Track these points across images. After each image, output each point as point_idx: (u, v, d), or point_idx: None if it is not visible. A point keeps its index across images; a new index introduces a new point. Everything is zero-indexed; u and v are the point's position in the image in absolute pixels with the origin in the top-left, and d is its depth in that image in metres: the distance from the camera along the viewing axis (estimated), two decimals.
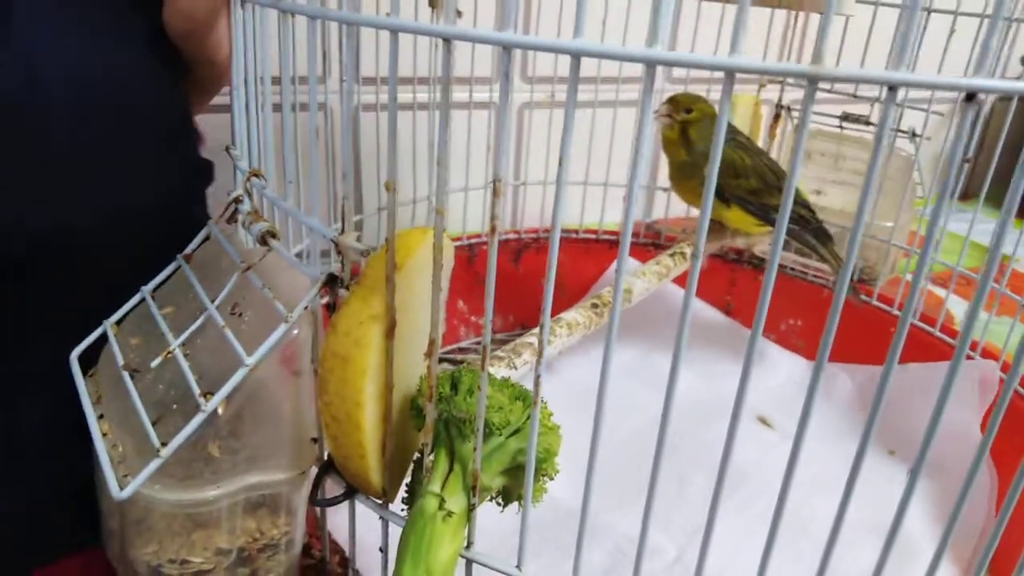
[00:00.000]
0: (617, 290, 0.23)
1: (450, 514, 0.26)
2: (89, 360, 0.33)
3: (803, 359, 0.64)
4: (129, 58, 0.32)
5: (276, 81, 0.31)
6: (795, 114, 0.63)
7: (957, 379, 0.55)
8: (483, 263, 0.68)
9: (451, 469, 0.26)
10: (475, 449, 0.25)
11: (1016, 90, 0.20)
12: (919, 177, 0.59)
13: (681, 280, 0.63)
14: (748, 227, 0.56)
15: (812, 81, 0.19)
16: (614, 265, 0.65)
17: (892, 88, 0.19)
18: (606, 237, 0.70)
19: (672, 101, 0.55)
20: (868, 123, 0.59)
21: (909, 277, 0.70)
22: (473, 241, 0.67)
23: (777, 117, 0.62)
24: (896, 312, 0.60)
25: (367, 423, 0.26)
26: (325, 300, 0.28)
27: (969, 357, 0.54)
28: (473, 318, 0.68)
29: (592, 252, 0.70)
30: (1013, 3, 0.54)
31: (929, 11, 0.56)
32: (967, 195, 1.05)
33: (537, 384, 0.24)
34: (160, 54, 0.34)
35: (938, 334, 0.56)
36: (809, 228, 0.54)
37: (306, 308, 0.27)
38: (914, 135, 0.56)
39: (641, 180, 0.89)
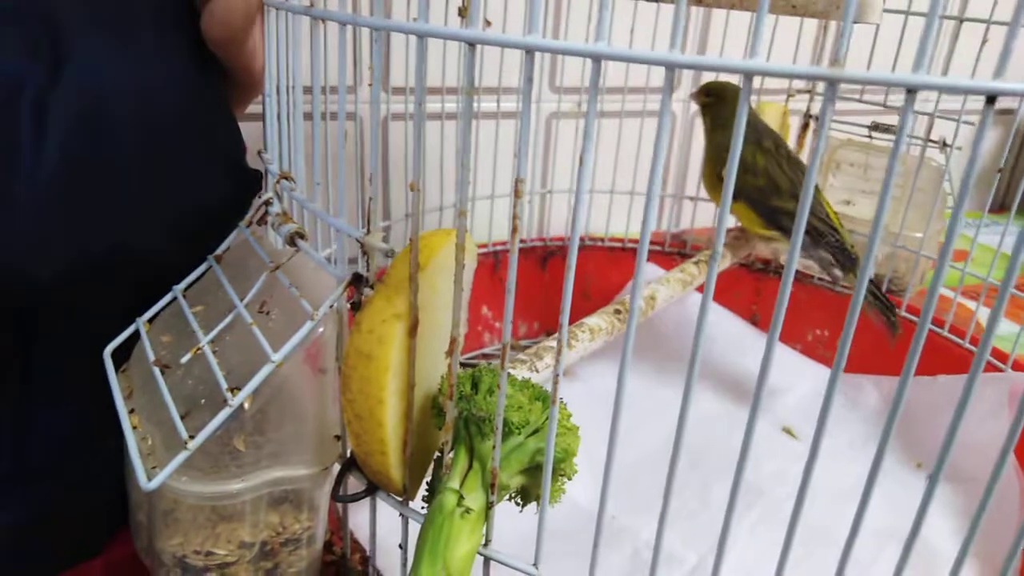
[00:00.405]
0: (635, 298, 0.24)
1: (468, 511, 0.26)
2: (122, 357, 0.34)
3: (830, 370, 0.63)
4: (176, 75, 0.33)
5: (308, 90, 0.31)
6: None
7: (983, 390, 0.54)
8: (507, 270, 0.68)
9: (470, 467, 0.27)
10: (494, 447, 0.26)
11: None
12: (950, 187, 0.58)
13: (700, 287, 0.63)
14: (753, 226, 0.56)
15: (832, 83, 0.19)
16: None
17: (911, 91, 0.19)
18: (631, 245, 0.70)
19: (704, 86, 0.56)
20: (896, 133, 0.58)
21: (946, 292, 0.69)
22: (499, 248, 0.68)
23: (805, 127, 0.62)
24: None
25: (389, 420, 0.27)
26: (351, 300, 0.29)
27: (999, 370, 0.54)
28: (498, 324, 0.68)
29: (618, 260, 0.70)
30: None
31: (961, 20, 0.56)
32: (1003, 208, 1.03)
33: (555, 383, 0.24)
34: (204, 69, 0.34)
35: (967, 346, 0.56)
36: (823, 243, 0.53)
37: (331, 307, 0.28)
38: (944, 145, 0.55)
39: (666, 189, 0.88)
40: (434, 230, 0.28)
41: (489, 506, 0.27)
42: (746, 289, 0.67)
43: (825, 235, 0.53)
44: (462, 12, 0.57)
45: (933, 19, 0.20)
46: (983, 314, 0.62)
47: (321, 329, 0.28)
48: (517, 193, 0.23)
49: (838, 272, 0.54)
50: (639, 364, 0.62)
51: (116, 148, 0.31)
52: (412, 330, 0.26)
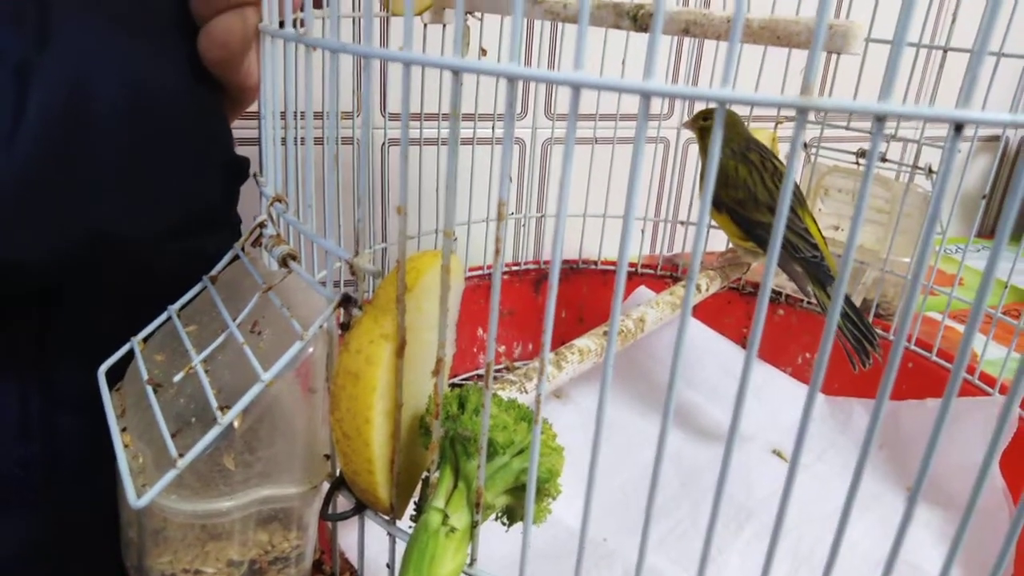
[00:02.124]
0: (613, 320, 0.24)
1: (453, 530, 0.26)
2: (118, 376, 0.34)
3: (820, 393, 0.64)
4: (168, 68, 0.33)
5: (306, 113, 0.32)
6: (812, 150, 0.64)
7: (971, 414, 0.54)
8: (503, 293, 0.69)
9: (456, 486, 0.27)
10: (479, 467, 0.26)
11: (1003, 122, 0.20)
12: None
13: (699, 312, 0.64)
14: (734, 236, 0.58)
15: (802, 112, 0.20)
16: (632, 296, 0.66)
17: (880, 119, 0.20)
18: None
19: (701, 112, 0.57)
20: (884, 159, 0.59)
21: (934, 315, 0.70)
22: (492, 268, 0.68)
23: None
24: (914, 348, 0.59)
25: (376, 439, 0.27)
26: (341, 320, 0.29)
27: (987, 394, 0.54)
28: (496, 347, 0.69)
29: (611, 283, 0.71)
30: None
31: (946, 50, 0.57)
32: (993, 233, 1.04)
33: (538, 403, 0.25)
34: (199, 71, 0.35)
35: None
36: (799, 257, 0.54)
37: (321, 327, 0.28)
38: (930, 171, 0.56)
39: (659, 213, 0.89)
40: (422, 252, 0.29)
41: (474, 525, 0.27)
42: (738, 312, 0.68)
43: (800, 250, 0.54)
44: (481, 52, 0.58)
45: (901, 48, 0.21)
46: (977, 341, 0.62)
47: (311, 349, 0.29)
48: (500, 216, 0.23)
49: (810, 288, 0.55)
50: (633, 387, 0.63)
51: (98, 133, 0.31)
52: (399, 350, 0.27)
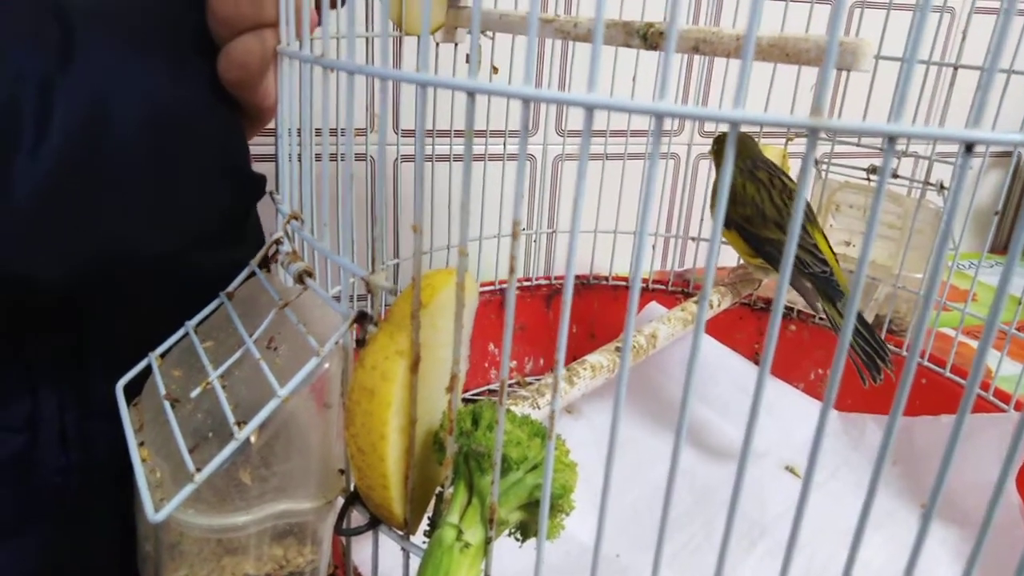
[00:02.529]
0: (627, 338, 0.24)
1: (467, 545, 0.26)
2: (135, 391, 0.35)
3: (833, 409, 0.63)
4: (191, 91, 0.34)
5: (320, 132, 0.33)
6: (823, 166, 0.64)
7: (985, 431, 0.54)
8: (517, 307, 0.69)
9: (470, 502, 0.27)
10: (492, 482, 0.26)
11: (1013, 142, 0.21)
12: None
13: (711, 328, 0.64)
14: (743, 253, 0.58)
15: (813, 132, 0.20)
16: (643, 312, 0.66)
17: (892, 139, 0.20)
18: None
19: (719, 135, 0.58)
20: (896, 175, 0.59)
21: (947, 331, 0.69)
22: (504, 286, 0.69)
23: None
24: (927, 364, 0.59)
25: (391, 455, 0.27)
26: (357, 337, 0.29)
27: (1002, 410, 0.54)
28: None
29: (622, 299, 0.71)
30: None
31: (956, 67, 0.57)
32: (1006, 248, 1.04)
33: (552, 419, 0.25)
34: (218, 90, 0.35)
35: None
36: (808, 273, 0.54)
37: (337, 343, 0.29)
38: (942, 187, 0.56)
39: (671, 229, 0.90)
40: (437, 269, 0.29)
41: (488, 541, 0.27)
42: (749, 328, 0.68)
43: (809, 265, 0.54)
44: (469, 59, 0.59)
45: (912, 67, 0.21)
46: (991, 357, 0.62)
47: (327, 365, 0.29)
48: (514, 235, 0.24)
49: (819, 304, 0.55)
50: (646, 403, 0.63)
51: (119, 151, 0.31)
52: (414, 367, 0.27)
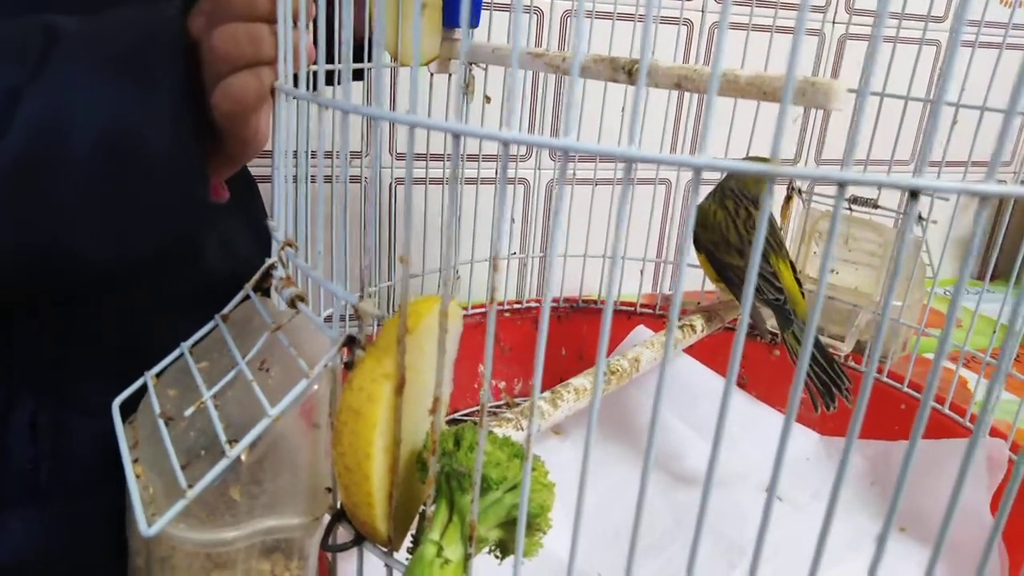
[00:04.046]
0: (599, 365, 0.26)
1: (447, 561, 0.28)
2: (130, 409, 0.36)
3: (815, 433, 0.65)
4: (153, 118, 0.36)
5: (316, 155, 0.34)
6: (806, 196, 0.66)
7: (958, 456, 0.55)
8: (504, 330, 0.71)
9: (450, 520, 0.29)
10: (472, 501, 0.27)
11: (956, 189, 0.22)
12: (928, 258, 0.61)
13: (696, 352, 0.65)
14: (711, 277, 0.61)
15: (770, 179, 0.22)
16: (631, 335, 0.67)
17: (842, 185, 0.22)
18: (625, 308, 0.73)
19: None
20: (876, 206, 0.61)
21: (930, 356, 0.71)
22: (500, 308, 0.70)
23: (789, 199, 0.65)
24: (906, 390, 0.61)
25: (375, 473, 0.29)
26: (346, 360, 0.31)
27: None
28: (495, 382, 0.70)
29: (612, 322, 0.72)
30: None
31: (952, 104, 0.59)
32: (995, 275, 1.06)
33: (528, 441, 0.26)
34: (181, 120, 0.36)
35: (947, 412, 0.57)
36: (763, 299, 0.56)
37: (326, 366, 0.30)
38: (920, 218, 0.58)
39: (661, 254, 0.91)
40: (424, 296, 0.31)
41: (467, 557, 0.28)
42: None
43: (764, 292, 0.56)
44: (466, 90, 0.60)
45: (862, 114, 0.22)
46: (970, 377, 0.63)
47: (315, 387, 0.31)
48: (495, 268, 0.25)
49: (768, 326, 0.57)
50: (630, 423, 0.64)
51: (72, 163, 0.34)
52: (399, 389, 0.28)
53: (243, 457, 0.29)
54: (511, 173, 0.84)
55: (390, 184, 0.79)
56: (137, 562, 0.33)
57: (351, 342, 0.30)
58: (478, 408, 0.68)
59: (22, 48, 0.34)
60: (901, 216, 0.59)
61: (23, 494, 0.40)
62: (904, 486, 0.24)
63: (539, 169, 0.85)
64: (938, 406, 0.58)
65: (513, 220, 0.73)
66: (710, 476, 0.26)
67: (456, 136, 0.25)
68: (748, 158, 0.61)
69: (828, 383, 0.54)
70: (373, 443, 0.28)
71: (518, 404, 0.49)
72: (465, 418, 0.66)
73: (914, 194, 0.22)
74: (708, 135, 0.22)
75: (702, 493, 0.26)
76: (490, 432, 0.31)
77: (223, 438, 0.29)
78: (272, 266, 0.36)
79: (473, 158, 0.69)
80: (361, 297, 0.29)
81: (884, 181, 0.22)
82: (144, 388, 0.36)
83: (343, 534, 0.33)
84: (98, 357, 0.42)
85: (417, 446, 0.31)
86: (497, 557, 0.31)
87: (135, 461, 0.32)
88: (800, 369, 0.23)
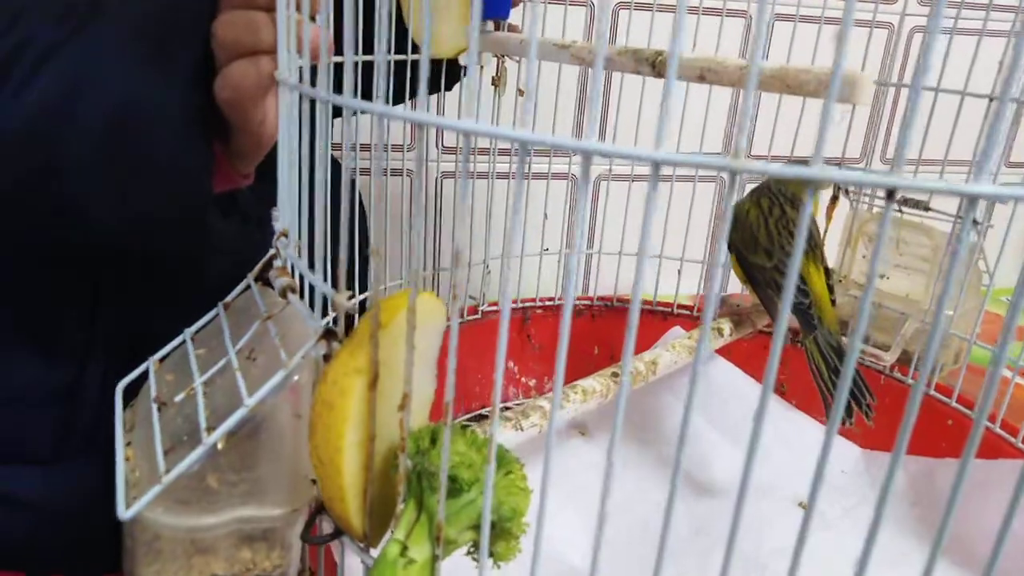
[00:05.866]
0: (624, 367, 0.24)
1: (412, 561, 0.27)
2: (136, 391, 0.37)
3: (856, 446, 0.61)
4: (166, 98, 0.37)
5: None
6: (853, 196, 0.63)
7: (1005, 476, 0.52)
8: (536, 325, 0.70)
9: (418, 519, 0.28)
10: (438, 502, 0.27)
11: (929, 188, 0.20)
12: (984, 265, 0.57)
13: (732, 356, 0.63)
14: (740, 277, 0.59)
15: (733, 174, 0.20)
16: (666, 335, 0.65)
17: (891, 193, 0.20)
18: (660, 308, 0.71)
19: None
20: (927, 208, 0.58)
21: (982, 367, 0.66)
22: (527, 304, 0.69)
23: (835, 199, 0.62)
24: (955, 404, 0.57)
25: (347, 468, 0.28)
26: (324, 352, 0.31)
27: None
28: (522, 379, 0.69)
29: (646, 322, 0.71)
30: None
31: (954, 93, 0.55)
32: None
33: (492, 442, 0.25)
34: (193, 105, 0.38)
35: (998, 430, 0.53)
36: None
37: (306, 356, 0.30)
38: (975, 222, 0.54)
39: (684, 253, 0.88)
40: (397, 292, 0.30)
41: (435, 559, 0.28)
42: None
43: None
44: (495, 82, 0.60)
45: (829, 111, 0.21)
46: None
47: (296, 377, 0.30)
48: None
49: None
50: (654, 426, 0.62)
51: (81, 129, 0.36)
52: (372, 384, 0.28)
53: (220, 445, 0.29)
54: (560, 168, 0.84)
55: (436, 178, 0.80)
56: (127, 543, 0.33)
57: (329, 335, 0.30)
58: (505, 405, 0.68)
59: (71, 8, 0.36)
60: (955, 220, 0.56)
61: (32, 455, 0.45)
62: (954, 511, 0.21)
63: (586, 164, 0.83)
64: (989, 424, 0.54)
65: (546, 216, 0.72)
66: (743, 493, 0.24)
67: (467, 136, 0.24)
68: (792, 160, 0.59)
69: (851, 395, 0.51)
70: (344, 437, 0.28)
71: (518, 405, 0.48)
72: (483, 414, 0.65)
73: (890, 194, 0.20)
74: (664, 131, 0.21)
75: (734, 509, 0.24)
76: (472, 432, 0.30)
77: (203, 425, 0.29)
78: (272, 255, 0.36)
79: (504, 152, 0.68)
80: (337, 290, 0.29)
81: (938, 187, 0.19)
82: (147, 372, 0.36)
83: (327, 527, 0.33)
84: (125, 335, 0.46)
85: (394, 443, 0.31)
86: (475, 560, 0.30)
87: (128, 444, 0.33)
88: (844, 379, 0.21)
